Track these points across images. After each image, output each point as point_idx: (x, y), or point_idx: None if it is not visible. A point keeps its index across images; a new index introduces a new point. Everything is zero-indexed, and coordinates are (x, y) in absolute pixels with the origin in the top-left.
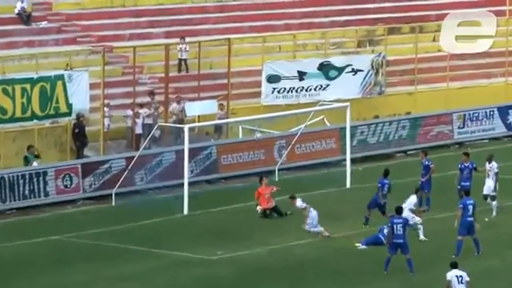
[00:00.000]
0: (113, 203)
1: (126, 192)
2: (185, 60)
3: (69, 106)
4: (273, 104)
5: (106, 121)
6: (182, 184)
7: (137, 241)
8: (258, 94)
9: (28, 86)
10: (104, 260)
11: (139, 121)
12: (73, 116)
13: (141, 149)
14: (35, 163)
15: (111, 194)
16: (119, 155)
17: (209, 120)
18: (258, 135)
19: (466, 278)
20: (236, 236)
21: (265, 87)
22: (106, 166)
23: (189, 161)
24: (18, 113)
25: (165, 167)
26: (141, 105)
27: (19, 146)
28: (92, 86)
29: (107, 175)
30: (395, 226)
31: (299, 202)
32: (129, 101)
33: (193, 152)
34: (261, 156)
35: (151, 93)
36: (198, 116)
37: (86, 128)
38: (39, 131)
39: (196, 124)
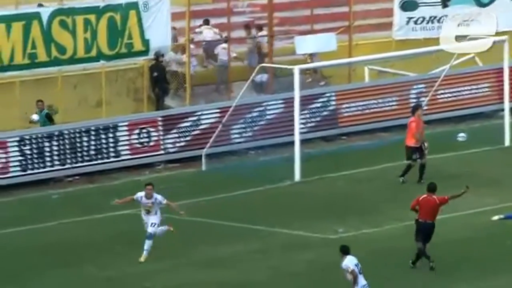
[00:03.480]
0: (203, 168)
1: (220, 153)
2: None
3: (145, 42)
4: (409, 39)
5: (193, 61)
6: (292, 143)
7: (233, 216)
8: (388, 26)
9: (92, 17)
10: (190, 240)
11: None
12: (151, 55)
13: (238, 97)
14: (34, 117)
15: (200, 156)
16: (210, 105)
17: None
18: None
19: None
20: (361, 209)
21: (398, 17)
22: (193, 119)
23: (301, 113)
24: (80, 52)
25: (269, 120)
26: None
27: (81, 94)
28: (175, 16)
29: (195, 131)
30: None
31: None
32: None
33: (305, 101)
34: (393, 105)
35: (247, 27)
36: (310, 55)
37: (168, 71)
38: (107, 75)
39: (309, 65)
